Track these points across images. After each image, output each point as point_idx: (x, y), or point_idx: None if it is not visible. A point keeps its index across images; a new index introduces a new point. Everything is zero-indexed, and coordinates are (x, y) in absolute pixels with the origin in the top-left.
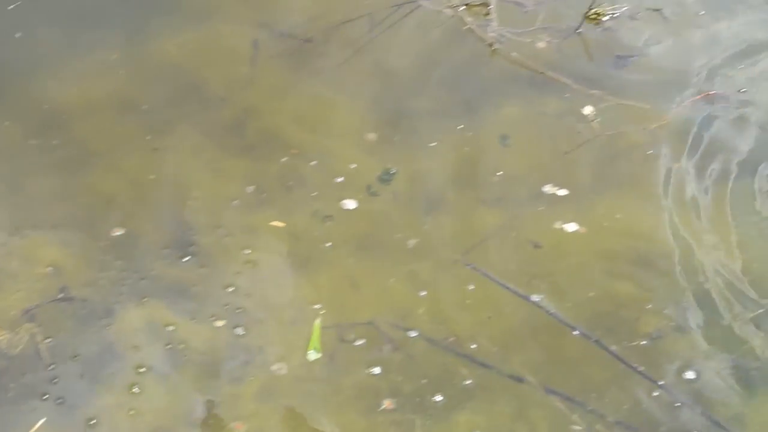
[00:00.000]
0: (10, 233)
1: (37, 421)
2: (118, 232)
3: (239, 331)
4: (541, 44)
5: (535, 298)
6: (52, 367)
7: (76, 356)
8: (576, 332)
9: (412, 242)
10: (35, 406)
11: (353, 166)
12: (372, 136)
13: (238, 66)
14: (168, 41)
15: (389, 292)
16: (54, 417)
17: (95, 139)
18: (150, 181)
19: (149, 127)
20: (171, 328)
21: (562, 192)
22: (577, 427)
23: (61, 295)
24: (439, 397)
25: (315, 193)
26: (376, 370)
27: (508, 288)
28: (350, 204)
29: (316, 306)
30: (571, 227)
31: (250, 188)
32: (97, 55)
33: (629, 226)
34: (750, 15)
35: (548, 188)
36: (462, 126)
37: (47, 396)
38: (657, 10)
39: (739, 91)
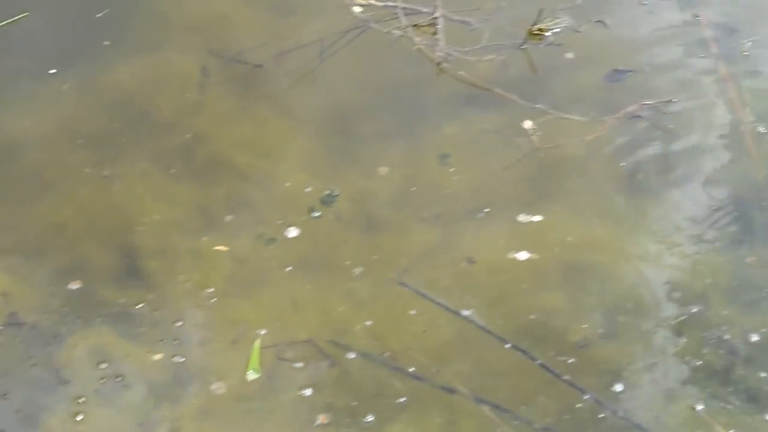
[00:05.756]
0: None
1: None
2: (68, 260)
3: (178, 359)
4: (486, 61)
5: (465, 312)
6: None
7: (17, 383)
8: (507, 345)
9: (351, 262)
10: None
11: (298, 188)
12: (317, 160)
13: (187, 93)
14: (119, 70)
15: (328, 311)
16: None
17: (46, 169)
18: (100, 208)
19: (100, 155)
20: (104, 365)
21: (500, 208)
22: None
23: (9, 321)
24: (372, 413)
25: (259, 217)
26: (312, 387)
27: (440, 304)
28: (293, 227)
29: (257, 326)
30: (522, 255)
31: (196, 214)
32: (49, 85)
33: (562, 237)
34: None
35: (486, 206)
36: (403, 146)
37: None
38: (599, 21)
39: (669, 100)
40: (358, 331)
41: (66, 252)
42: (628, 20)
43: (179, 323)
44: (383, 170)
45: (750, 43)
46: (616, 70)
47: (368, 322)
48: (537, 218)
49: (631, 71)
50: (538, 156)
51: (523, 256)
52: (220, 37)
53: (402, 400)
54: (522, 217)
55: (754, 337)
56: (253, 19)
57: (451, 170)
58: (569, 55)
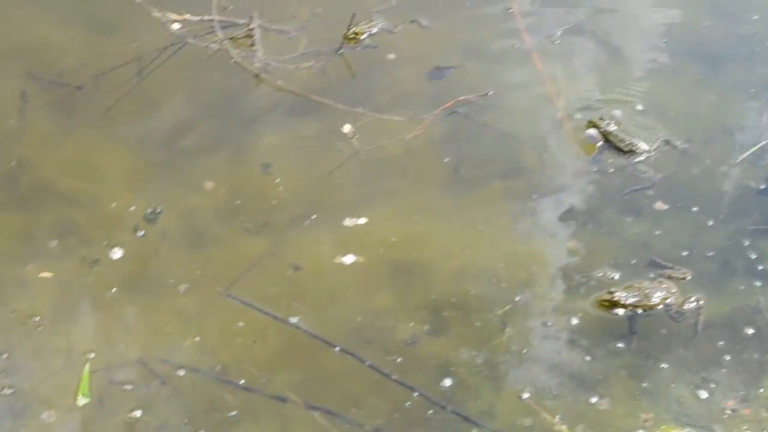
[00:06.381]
0: None
1: None
2: None
3: (6, 391)
4: (305, 69)
5: (293, 319)
6: None
7: None
8: (336, 348)
9: (176, 279)
10: None
11: (123, 208)
12: (142, 178)
13: (7, 119)
14: None
15: (158, 330)
16: None
17: None
18: None
19: None
20: None
21: (325, 214)
22: None
23: None
24: (203, 430)
25: (84, 240)
26: (143, 408)
27: (267, 313)
28: (117, 247)
29: (86, 351)
30: (348, 259)
31: (21, 241)
32: None
33: (387, 238)
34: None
35: (312, 213)
36: (227, 158)
37: None
38: (413, 21)
39: (486, 94)
40: (188, 347)
41: None
42: (444, 18)
43: (5, 355)
44: (208, 185)
45: (560, 32)
46: (438, 68)
47: (197, 338)
48: (362, 221)
49: (452, 67)
50: (360, 158)
51: (349, 259)
52: (40, 60)
53: (233, 413)
54: (347, 221)
55: (574, 321)
56: (73, 39)
57: (276, 180)
58: (391, 56)
